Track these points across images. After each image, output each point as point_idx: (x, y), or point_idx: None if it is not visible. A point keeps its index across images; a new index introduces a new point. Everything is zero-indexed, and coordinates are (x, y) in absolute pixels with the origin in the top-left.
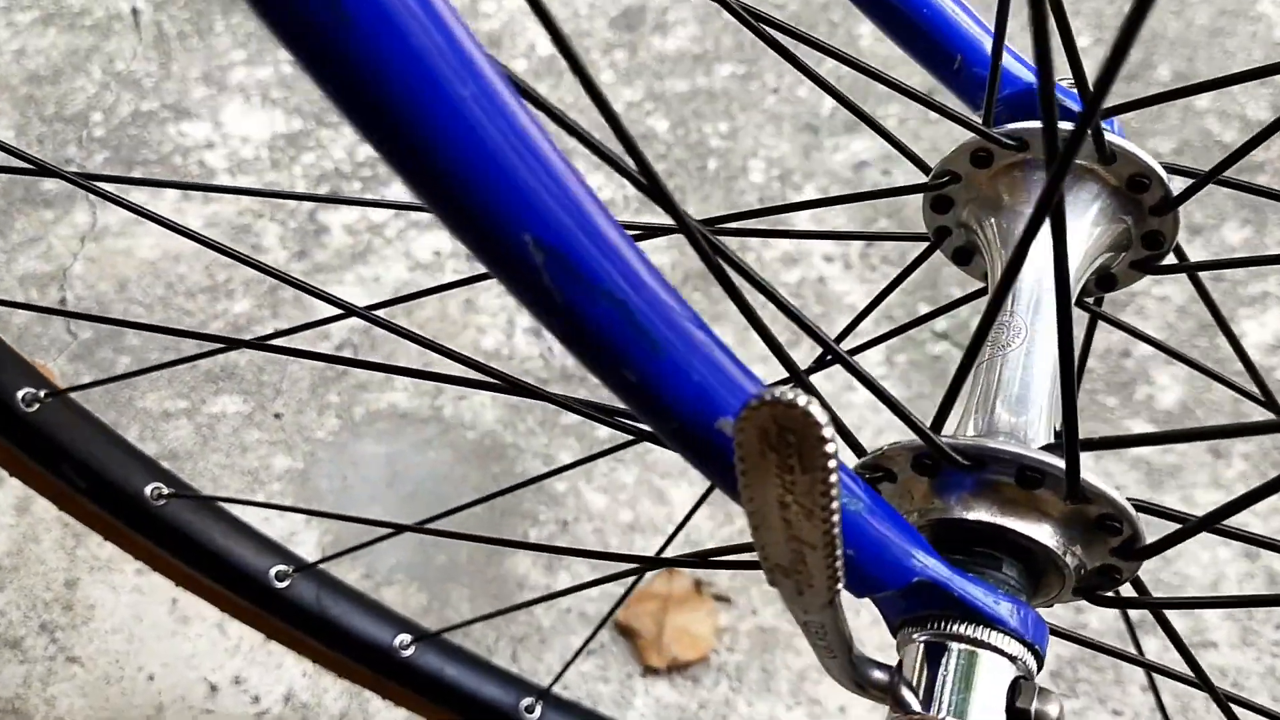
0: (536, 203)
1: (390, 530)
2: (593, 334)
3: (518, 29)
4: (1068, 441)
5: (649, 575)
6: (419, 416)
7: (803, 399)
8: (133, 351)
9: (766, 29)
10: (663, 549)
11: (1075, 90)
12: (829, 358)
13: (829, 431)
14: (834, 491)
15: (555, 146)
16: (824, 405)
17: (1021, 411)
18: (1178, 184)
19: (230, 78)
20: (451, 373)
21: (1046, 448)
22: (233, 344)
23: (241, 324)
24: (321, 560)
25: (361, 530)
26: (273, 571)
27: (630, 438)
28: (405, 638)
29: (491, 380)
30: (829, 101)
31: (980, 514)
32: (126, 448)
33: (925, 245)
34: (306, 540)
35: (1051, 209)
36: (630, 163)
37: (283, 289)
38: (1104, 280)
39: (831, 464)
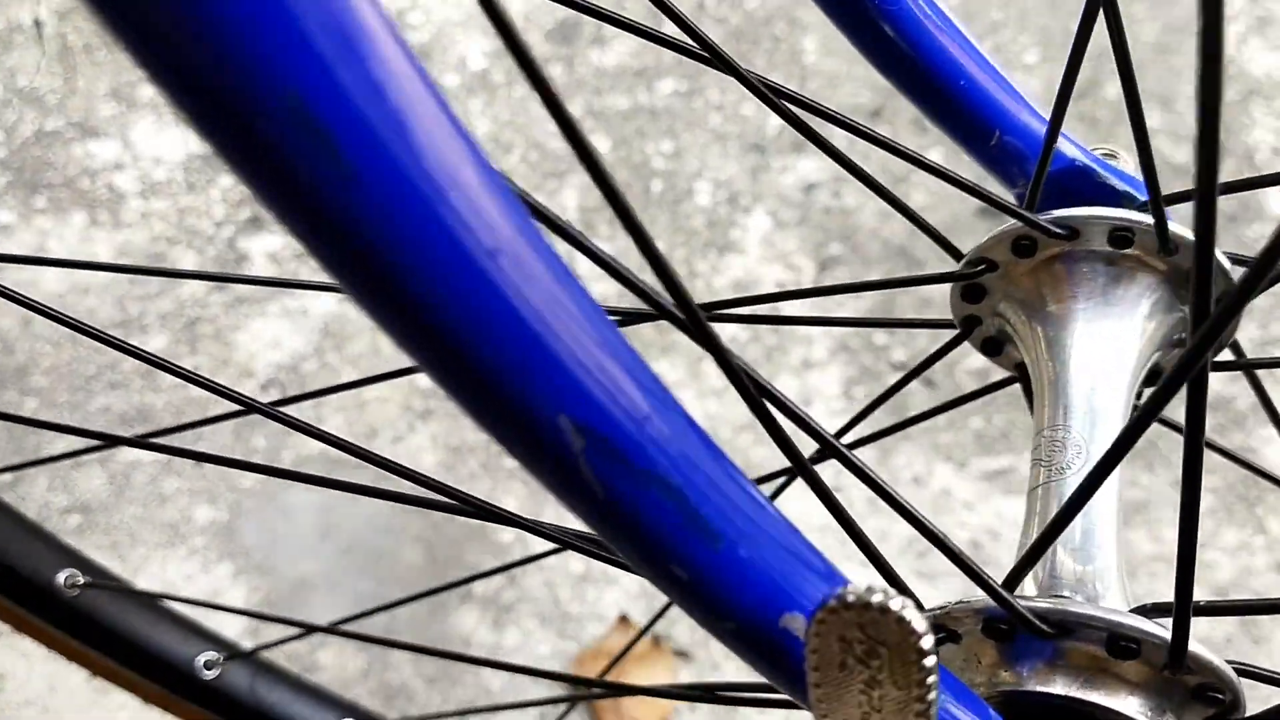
0: (574, 377)
1: (316, 629)
2: (639, 528)
3: (447, 41)
4: (1178, 609)
5: (604, 631)
6: (353, 462)
7: (896, 601)
8: (40, 394)
9: (787, 105)
10: (607, 670)
11: (1134, 175)
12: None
13: (929, 643)
14: (932, 711)
15: (592, 301)
16: (918, 605)
17: (1088, 556)
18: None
19: (140, 94)
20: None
21: (1141, 611)
22: (115, 441)
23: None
24: (256, 649)
25: (294, 591)
26: (200, 660)
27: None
28: None
29: (444, 500)
30: (775, 120)
31: (1062, 688)
32: (35, 532)
33: (952, 335)
34: (233, 598)
35: (1192, 377)
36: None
37: (203, 322)
38: (1149, 375)
39: (932, 681)
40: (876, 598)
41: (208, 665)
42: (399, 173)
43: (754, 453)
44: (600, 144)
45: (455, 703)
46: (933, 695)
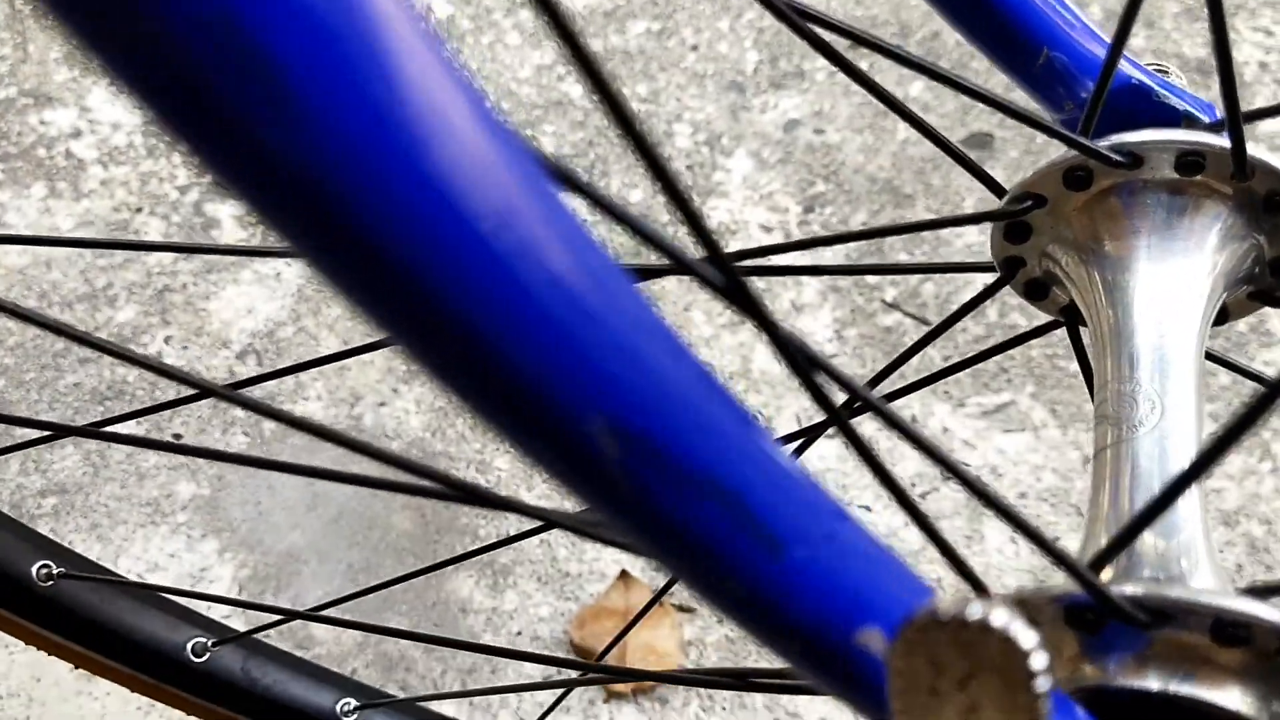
0: (604, 365)
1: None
2: (692, 543)
3: None
4: None
5: (603, 589)
6: (337, 428)
7: (999, 615)
8: (6, 373)
9: (813, 28)
10: (604, 654)
11: (1195, 94)
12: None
13: (1041, 664)
14: None
15: (620, 270)
16: (1025, 617)
17: (1172, 529)
18: None
19: None
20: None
21: (1251, 591)
22: (67, 432)
23: (127, 334)
24: (246, 633)
25: (283, 565)
26: (189, 646)
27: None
28: (348, 702)
29: (427, 484)
30: (753, 57)
31: (1157, 682)
32: (3, 523)
33: (994, 279)
34: (221, 576)
35: None
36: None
37: (172, 291)
38: (1217, 315)
39: (1043, 706)
40: (975, 612)
41: (196, 651)
42: (365, 116)
43: (748, 400)
44: (573, 90)
45: (455, 670)
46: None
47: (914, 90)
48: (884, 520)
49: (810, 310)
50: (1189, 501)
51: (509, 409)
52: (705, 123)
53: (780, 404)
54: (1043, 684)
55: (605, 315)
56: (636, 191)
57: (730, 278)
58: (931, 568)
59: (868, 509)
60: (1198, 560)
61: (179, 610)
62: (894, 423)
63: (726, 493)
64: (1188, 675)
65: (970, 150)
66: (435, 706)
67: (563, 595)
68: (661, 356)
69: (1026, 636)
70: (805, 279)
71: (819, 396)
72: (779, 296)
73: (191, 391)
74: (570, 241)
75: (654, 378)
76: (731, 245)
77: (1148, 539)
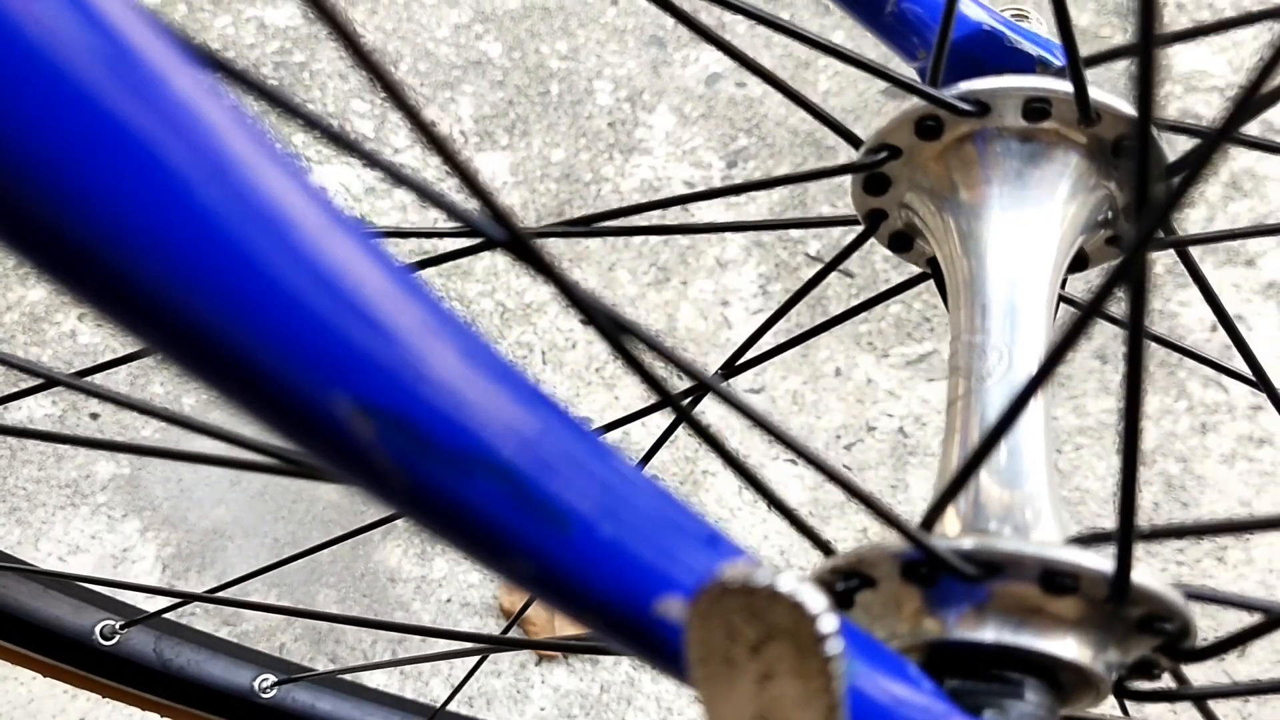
0: (342, 334)
1: (193, 598)
2: (471, 523)
3: None
4: (1121, 538)
5: None
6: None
7: (786, 580)
8: None
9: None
10: (508, 628)
11: (1048, 38)
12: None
13: (830, 626)
14: (839, 704)
15: (354, 222)
16: (821, 580)
17: (1016, 480)
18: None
19: None
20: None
21: (1077, 540)
22: None
23: (40, 313)
24: (154, 613)
25: (208, 542)
26: (98, 629)
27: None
28: (266, 678)
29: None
30: None
31: (993, 634)
32: None
33: (859, 232)
34: (144, 555)
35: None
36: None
37: None
38: (1075, 262)
39: (836, 670)
40: (761, 578)
41: (105, 634)
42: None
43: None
44: (492, 49)
45: (386, 640)
46: (839, 686)
47: (835, 38)
48: (810, 473)
49: (734, 266)
50: (1032, 452)
51: (251, 392)
52: (626, 79)
53: (707, 360)
54: (833, 647)
55: (339, 283)
56: (559, 150)
57: (515, 236)
58: (858, 518)
59: (793, 462)
60: (1041, 511)
61: (85, 594)
62: (729, 400)
63: (499, 468)
64: (1021, 626)
65: (891, 99)
66: (355, 630)
67: None
68: (416, 328)
69: (814, 600)
70: (730, 235)
71: (648, 378)
72: (703, 253)
73: (38, 381)
74: (294, 190)
75: (405, 350)
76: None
77: (992, 491)
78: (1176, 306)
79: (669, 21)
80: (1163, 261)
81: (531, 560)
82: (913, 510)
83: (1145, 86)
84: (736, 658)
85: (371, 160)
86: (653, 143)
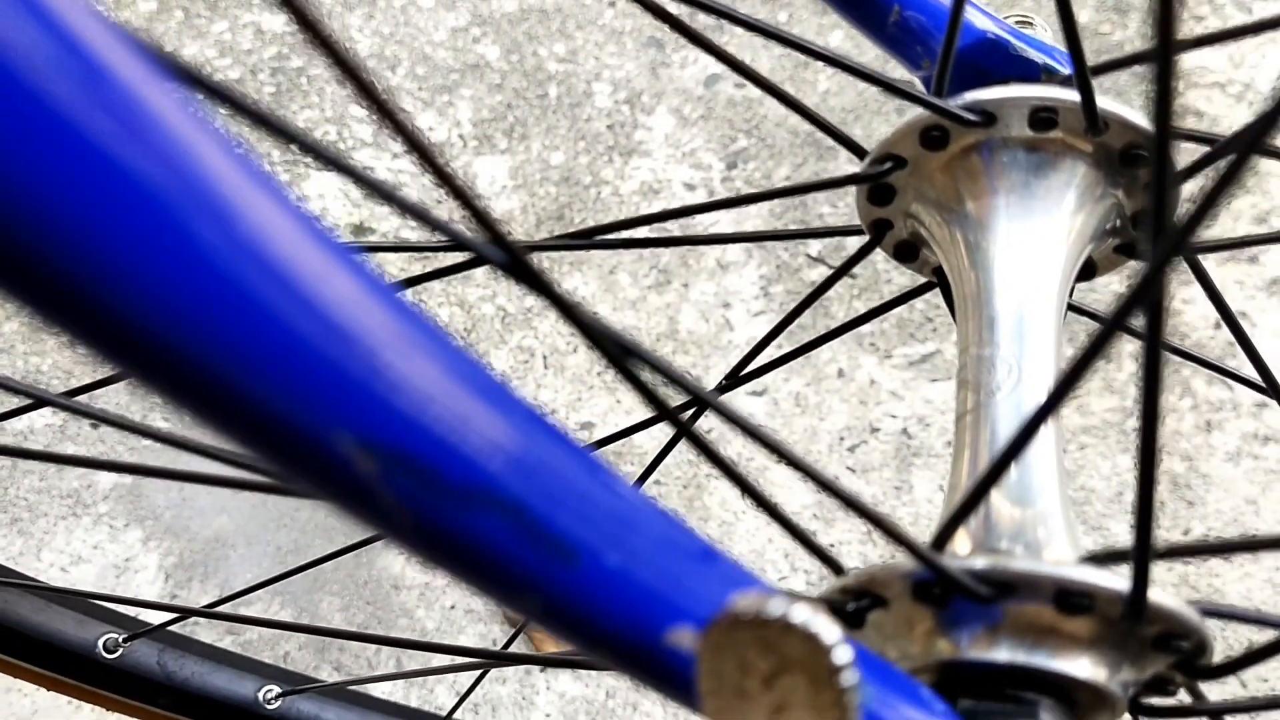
0: (341, 370)
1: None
2: (477, 558)
3: None
4: (1138, 557)
5: None
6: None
7: (799, 611)
8: None
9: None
10: (510, 641)
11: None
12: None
13: (844, 655)
14: None
15: (349, 252)
16: (835, 610)
17: (1028, 498)
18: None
19: None
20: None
21: (1092, 559)
22: None
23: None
24: (158, 626)
25: (210, 550)
26: (101, 642)
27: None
28: (271, 690)
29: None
30: (672, 10)
31: (1006, 654)
32: None
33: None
34: (147, 565)
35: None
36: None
37: None
38: (1082, 270)
39: (851, 702)
40: (774, 609)
41: (108, 647)
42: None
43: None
44: (490, 52)
45: (389, 650)
46: (854, 718)
47: (834, 40)
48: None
49: (735, 268)
50: (1044, 468)
51: (249, 430)
52: (625, 81)
53: (708, 364)
54: (848, 678)
55: (336, 316)
56: (558, 153)
57: (513, 256)
58: (853, 530)
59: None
60: (1054, 530)
61: (88, 607)
62: (728, 415)
63: (504, 503)
64: (1035, 646)
65: (891, 100)
66: (363, 687)
67: None
68: (417, 360)
69: (829, 632)
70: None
71: (650, 397)
72: (704, 256)
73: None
74: (285, 219)
75: (406, 384)
76: (656, 205)
77: (1004, 508)
78: (1179, 304)
79: None
80: None
81: (539, 594)
82: (918, 512)
83: (1163, 99)
84: (749, 690)
85: (361, 180)
86: (652, 145)
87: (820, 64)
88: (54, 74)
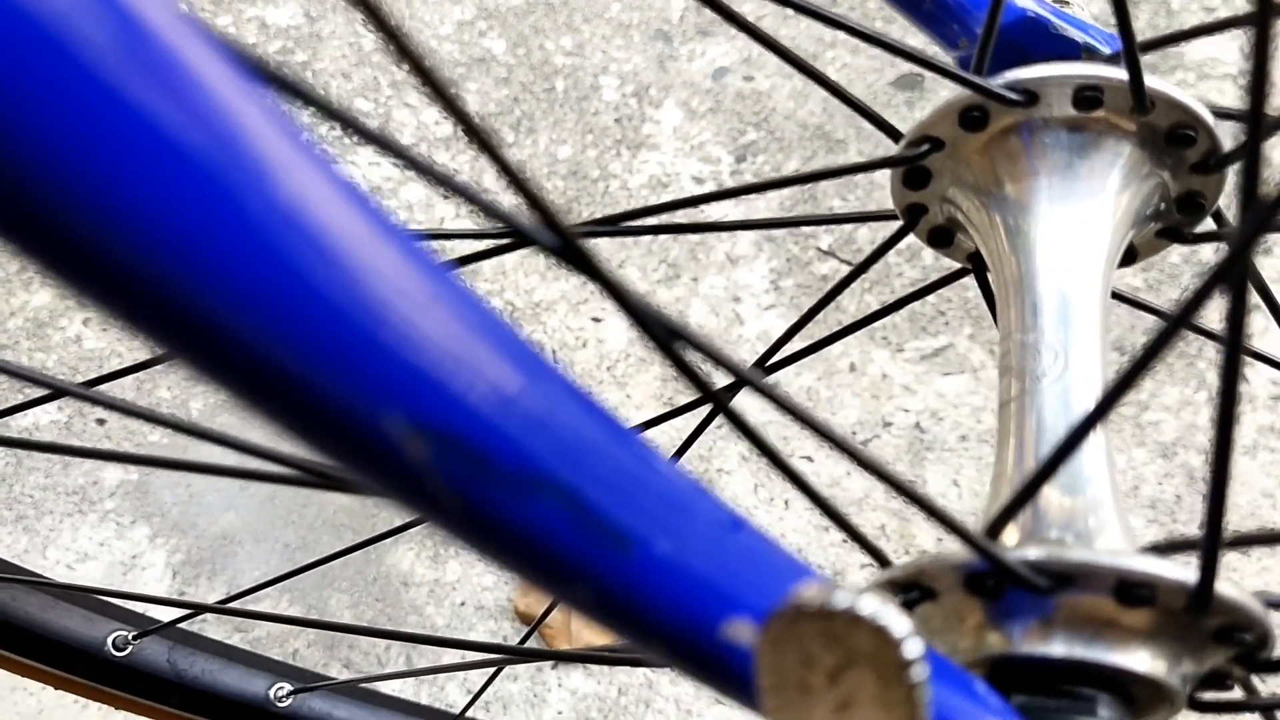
0: (394, 352)
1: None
2: (529, 545)
3: None
4: (1207, 548)
5: None
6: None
7: (867, 603)
8: None
9: None
10: (526, 637)
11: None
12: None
13: (914, 649)
14: None
15: (409, 237)
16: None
17: (1078, 487)
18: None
19: None
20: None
21: (1155, 548)
22: None
23: (44, 318)
24: (169, 623)
25: (218, 547)
26: (110, 640)
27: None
28: (282, 687)
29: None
30: (679, 4)
31: (1062, 648)
32: None
33: (896, 228)
34: (154, 562)
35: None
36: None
37: None
38: (1123, 256)
39: (920, 698)
40: (841, 601)
41: (118, 645)
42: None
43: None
44: (496, 45)
45: (399, 646)
46: (923, 715)
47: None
48: (826, 470)
49: (745, 261)
50: (1094, 456)
51: (295, 412)
52: (633, 74)
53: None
54: (918, 674)
55: (388, 295)
56: (565, 147)
57: (568, 242)
58: (876, 515)
59: (809, 459)
60: (1105, 519)
61: (97, 604)
62: (773, 397)
63: (560, 489)
64: (1093, 639)
65: (900, 91)
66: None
67: None
68: (469, 340)
69: (898, 624)
70: (739, 231)
71: (690, 374)
72: (713, 249)
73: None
74: (342, 205)
75: (459, 365)
76: (665, 198)
77: (1053, 497)
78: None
79: (674, 15)
80: (1179, 251)
81: (590, 583)
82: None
83: (1259, 76)
84: (813, 685)
85: (414, 163)
86: (660, 138)
87: (829, 57)
88: (127, 64)
